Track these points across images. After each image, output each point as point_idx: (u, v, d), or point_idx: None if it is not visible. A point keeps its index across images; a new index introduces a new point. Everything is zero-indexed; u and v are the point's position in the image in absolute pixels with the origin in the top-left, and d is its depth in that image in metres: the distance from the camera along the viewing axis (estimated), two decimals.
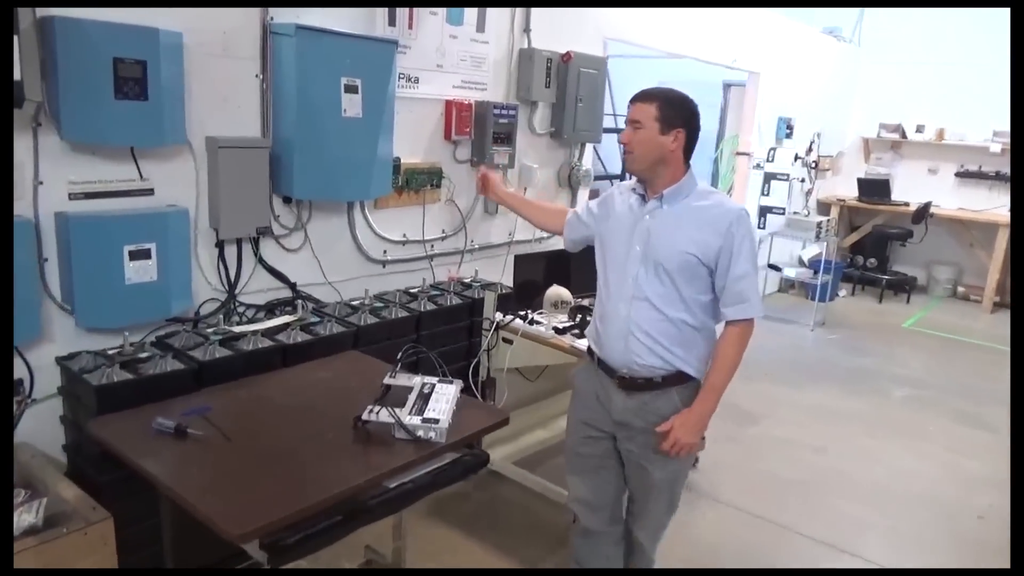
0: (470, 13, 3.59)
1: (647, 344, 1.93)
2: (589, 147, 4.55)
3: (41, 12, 2.21)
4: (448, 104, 3.53)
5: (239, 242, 2.89)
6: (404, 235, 3.51)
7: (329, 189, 2.99)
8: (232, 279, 2.92)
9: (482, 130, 3.60)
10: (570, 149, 4.41)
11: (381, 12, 3.20)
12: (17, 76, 2.09)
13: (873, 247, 8.18)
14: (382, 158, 3.11)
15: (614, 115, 10.31)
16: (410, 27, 3.34)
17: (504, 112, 3.72)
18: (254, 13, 2.76)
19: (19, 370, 2.41)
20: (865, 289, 8.16)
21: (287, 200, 3.00)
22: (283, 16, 2.82)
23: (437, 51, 3.47)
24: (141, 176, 2.57)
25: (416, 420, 2.09)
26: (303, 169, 2.87)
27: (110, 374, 2.35)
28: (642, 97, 1.87)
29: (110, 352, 2.47)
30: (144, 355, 2.48)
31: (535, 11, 3.97)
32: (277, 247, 3.03)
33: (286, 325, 2.84)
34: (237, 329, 2.74)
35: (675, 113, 1.86)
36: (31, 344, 2.40)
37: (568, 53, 3.99)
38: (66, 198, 2.43)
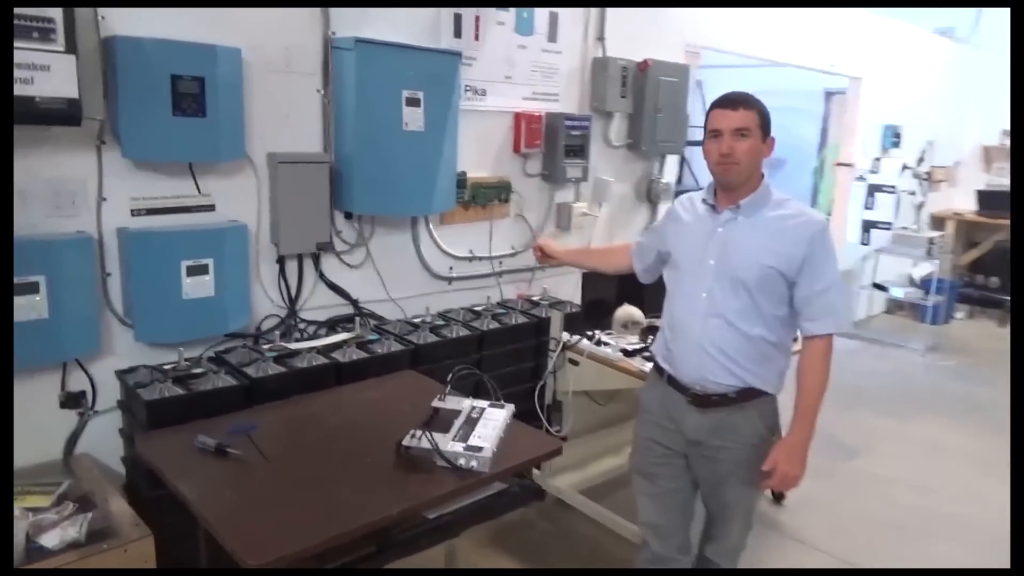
0: (540, 22, 3.46)
1: (722, 362, 1.85)
2: (671, 159, 4.27)
3: (105, 32, 2.24)
4: (517, 116, 3.41)
5: (300, 258, 2.85)
6: (471, 251, 3.40)
7: (390, 204, 2.92)
8: (293, 295, 2.89)
9: (553, 143, 3.48)
10: (649, 162, 4.19)
11: (446, 23, 3.12)
12: (75, 94, 2.09)
13: (995, 265, 7.45)
14: (446, 172, 3.01)
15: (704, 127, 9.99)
16: (476, 38, 3.24)
17: (577, 124, 3.57)
18: (316, 28, 2.73)
19: (82, 382, 2.44)
20: (985, 311, 7.43)
21: (348, 215, 2.94)
22: (346, 30, 2.79)
23: (505, 62, 3.36)
24: (200, 192, 2.56)
25: (458, 447, 1.96)
26: (363, 184, 2.81)
27: (162, 389, 2.34)
28: (744, 103, 1.77)
29: (166, 367, 2.45)
30: (198, 371, 2.46)
31: (610, 19, 3.80)
32: (338, 263, 2.98)
33: (343, 342, 2.76)
34: (293, 346, 2.68)
35: (768, 119, 1.79)
36: (93, 357, 2.43)
37: (645, 61, 3.80)
38: (128, 214, 2.46)
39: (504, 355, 3.15)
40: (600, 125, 3.88)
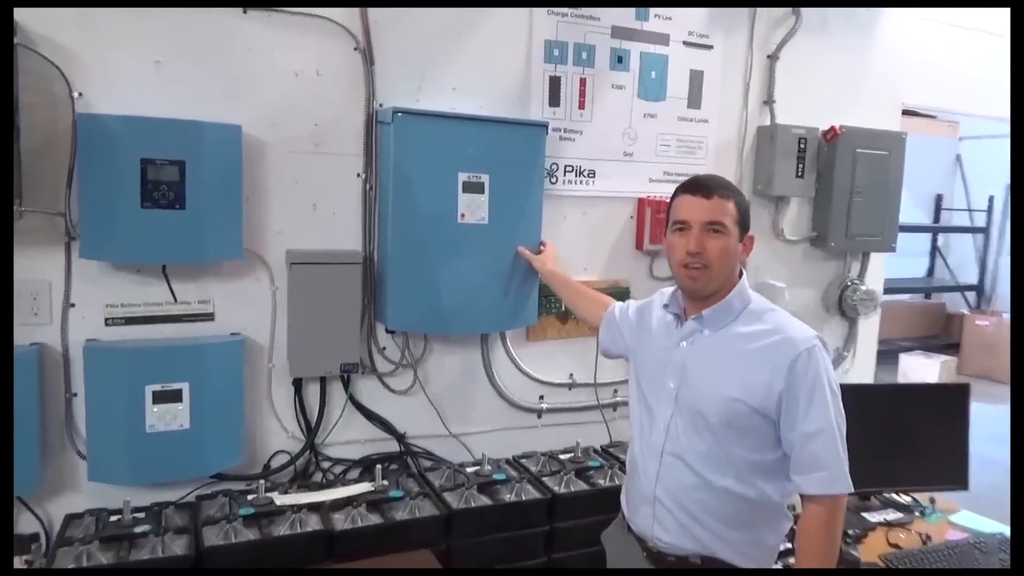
0: (677, 83, 2.58)
1: (679, 519, 1.44)
2: (876, 257, 2.99)
3: (81, 110, 1.84)
4: (642, 203, 2.57)
5: (323, 379, 2.20)
6: (571, 376, 2.57)
7: (436, 320, 2.19)
8: (313, 425, 2.21)
9: None
10: (842, 261, 2.98)
11: (538, 89, 2.38)
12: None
13: None
14: (523, 276, 2.27)
15: (969, 210, 7.97)
16: (581, 107, 2.44)
17: None
18: (357, 101, 2.15)
19: (32, 523, 1.89)
20: None
21: (392, 331, 2.25)
22: (401, 101, 2.17)
23: (624, 135, 2.55)
24: (175, 299, 2.04)
25: None
26: (400, 293, 2.14)
27: (84, 554, 1.71)
28: (720, 189, 1.40)
29: (113, 518, 1.84)
30: (141, 530, 1.78)
31: (782, 75, 2.71)
32: (379, 387, 2.30)
33: (351, 499, 1.96)
34: (279, 500, 1.93)
35: (747, 213, 1.43)
36: (41, 495, 1.94)
37: (833, 129, 2.67)
38: (102, 323, 1.97)
39: (587, 529, 2.10)
40: (767, 213, 2.86)
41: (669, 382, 1.44)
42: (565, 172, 2.45)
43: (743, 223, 1.42)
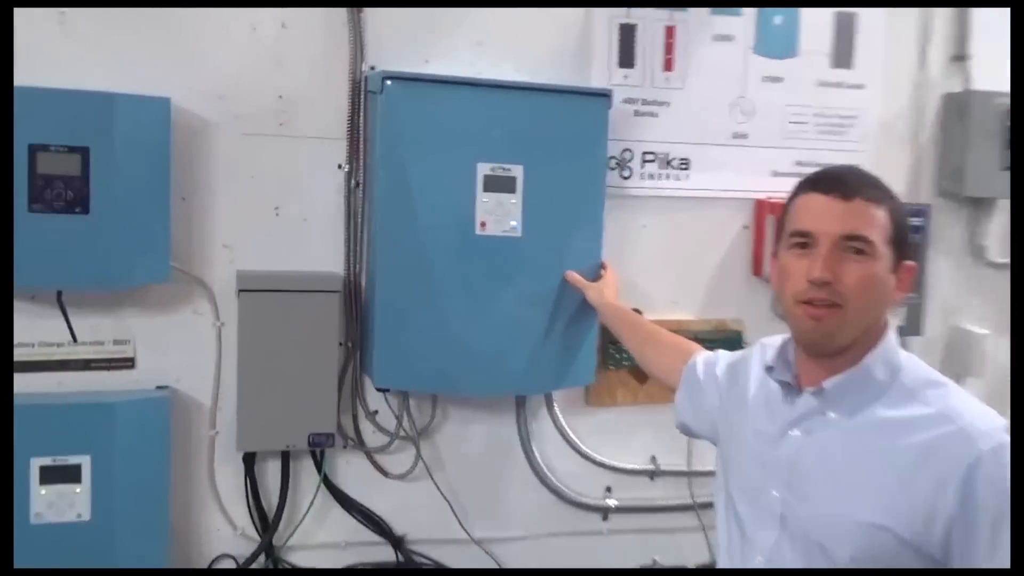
0: (814, 33, 2.14)
1: None
2: None
3: None
4: (761, 207, 2.16)
5: (285, 455, 1.91)
6: (652, 460, 2.17)
7: (445, 374, 1.86)
8: (271, 519, 1.91)
9: None
10: None
11: (602, 43, 2.02)
12: None
13: None
14: (576, 312, 1.93)
15: None
16: (668, 68, 2.07)
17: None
18: (340, 63, 1.86)
19: None
20: None
21: (384, 389, 1.92)
22: (406, 64, 1.88)
23: (734, 108, 2.14)
24: (74, 338, 1.78)
25: None
26: (394, 334, 1.83)
27: None
28: (864, 188, 1.16)
29: None
30: None
31: (983, 17, 2.21)
32: (368, 468, 1.99)
33: None
34: None
35: (906, 227, 1.20)
36: None
37: None
38: None
39: None
40: (958, 224, 2.33)
41: (772, 490, 1.22)
42: (644, 162, 2.08)
43: (899, 243, 1.17)
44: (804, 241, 1.16)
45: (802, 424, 1.20)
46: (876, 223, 1.14)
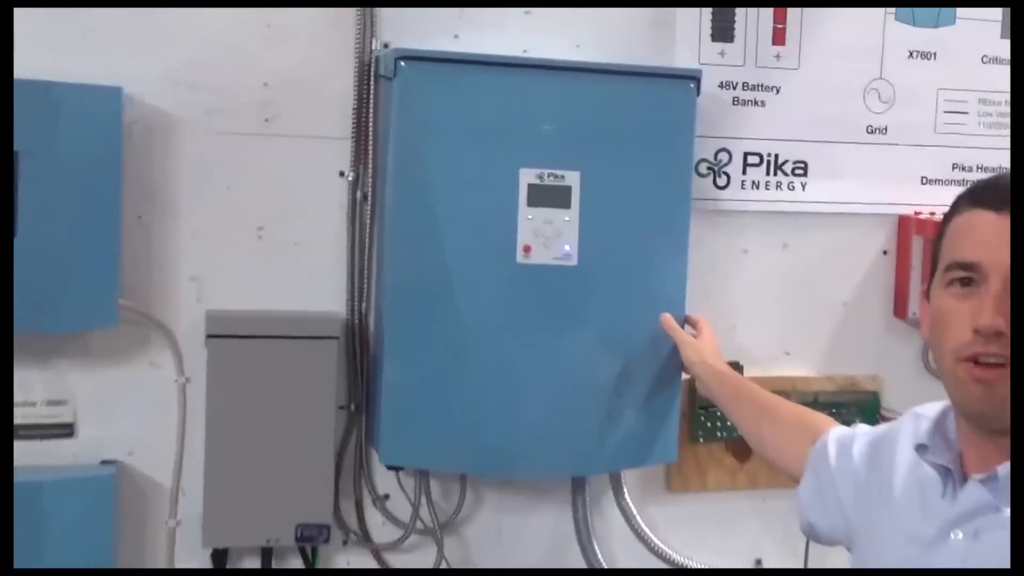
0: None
1: None
2: None
3: None
4: (906, 226, 2.09)
5: (266, 552, 1.82)
6: (758, 563, 2.07)
7: (475, 450, 1.79)
8: None
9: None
10: None
11: (691, 14, 1.94)
12: None
13: None
14: (649, 371, 1.87)
15: None
16: (778, 43, 1.98)
17: None
18: (343, 42, 1.81)
19: None
20: None
21: (394, 467, 1.86)
22: (436, 42, 1.83)
23: (868, 93, 2.04)
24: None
25: None
26: (401, 400, 1.77)
27: None
28: None
29: None
30: None
31: None
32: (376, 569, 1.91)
33: None
34: None
35: None
36: None
37: None
38: None
39: None
40: None
41: None
42: (746, 166, 1.98)
43: None
44: (968, 276, 1.09)
45: (968, 524, 1.13)
46: None
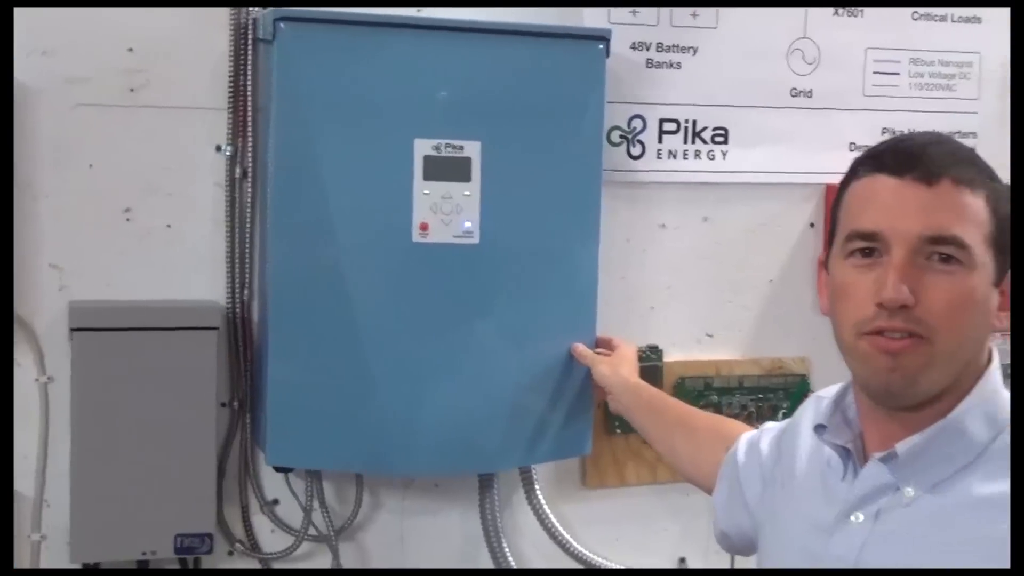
0: None
1: None
2: None
3: None
4: (832, 195, 1.93)
5: (144, 568, 1.75)
6: (681, 562, 2.05)
7: (370, 447, 1.76)
8: None
9: None
10: None
11: None
12: None
13: None
14: (559, 359, 1.85)
15: None
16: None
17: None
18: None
19: None
20: None
21: (282, 469, 1.81)
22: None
23: (791, 54, 2.02)
24: None
25: None
26: (287, 396, 1.72)
27: None
28: (951, 167, 1.14)
29: None
30: None
31: None
32: None
33: None
34: None
35: (1007, 219, 1.19)
36: None
37: None
38: None
39: None
40: None
41: None
42: (662, 134, 1.94)
43: (1003, 244, 1.12)
44: (869, 246, 1.09)
45: (867, 506, 1.15)
46: (972, 217, 1.07)
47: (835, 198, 1.15)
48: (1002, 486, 1.07)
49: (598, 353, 1.82)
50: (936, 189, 1.06)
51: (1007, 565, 1.04)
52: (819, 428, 1.21)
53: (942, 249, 1.05)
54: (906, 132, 1.99)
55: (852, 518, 1.15)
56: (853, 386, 1.19)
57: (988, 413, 1.10)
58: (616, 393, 1.78)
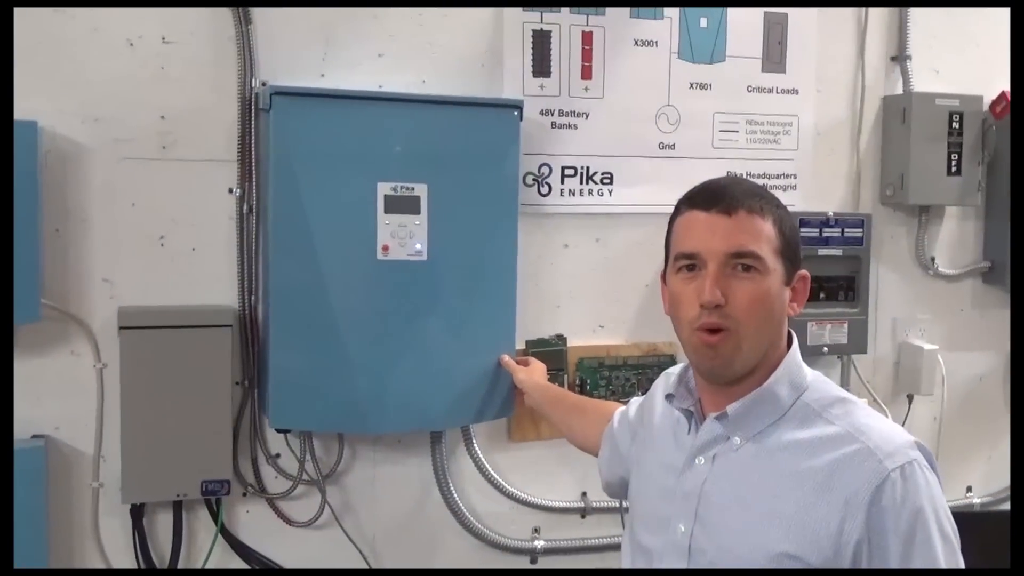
0: (744, 37, 2.21)
1: None
2: None
3: None
4: None
5: (178, 504, 1.91)
6: (583, 496, 2.21)
7: (347, 411, 1.90)
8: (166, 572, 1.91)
9: None
10: None
11: (513, 51, 2.07)
12: None
13: None
14: (489, 344, 1.99)
15: None
16: (586, 76, 2.12)
17: (836, 235, 2.26)
18: (228, 79, 1.89)
19: None
20: None
21: (283, 430, 1.95)
22: (305, 80, 1.93)
23: (659, 118, 2.19)
24: None
25: None
26: (290, 370, 1.85)
27: None
28: (745, 199, 1.21)
29: None
30: None
31: (922, 17, 2.33)
32: (271, 516, 2.00)
33: None
34: None
35: (795, 236, 1.27)
36: None
37: (1004, 96, 2.24)
38: None
39: None
40: (904, 233, 2.43)
41: (679, 524, 1.25)
42: (563, 177, 2.13)
43: (790, 254, 1.22)
44: (691, 263, 1.19)
45: (707, 452, 1.24)
46: (763, 236, 1.18)
47: (668, 230, 1.26)
48: (803, 433, 1.19)
49: (518, 363, 1.96)
50: (735, 218, 1.18)
51: (806, 495, 1.13)
52: (669, 396, 1.33)
53: (743, 261, 1.17)
54: (758, 175, 2.20)
55: (696, 461, 1.26)
56: (691, 366, 1.30)
57: (792, 382, 1.21)
58: (530, 391, 1.91)
